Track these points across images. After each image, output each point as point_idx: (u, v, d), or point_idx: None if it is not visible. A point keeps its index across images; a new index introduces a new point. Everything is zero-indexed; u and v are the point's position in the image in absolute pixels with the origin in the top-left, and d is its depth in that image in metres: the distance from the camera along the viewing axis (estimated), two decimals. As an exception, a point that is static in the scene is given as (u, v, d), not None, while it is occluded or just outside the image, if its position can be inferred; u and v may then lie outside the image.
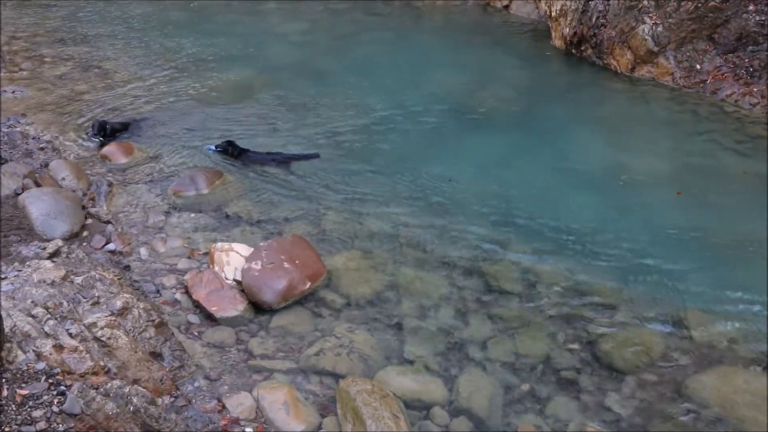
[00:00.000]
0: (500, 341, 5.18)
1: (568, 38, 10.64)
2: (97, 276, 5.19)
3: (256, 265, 5.58)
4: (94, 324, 4.58)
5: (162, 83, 9.94)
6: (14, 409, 3.51)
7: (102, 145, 7.99)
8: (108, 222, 6.50)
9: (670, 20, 9.42)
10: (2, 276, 4.90)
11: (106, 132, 8.16)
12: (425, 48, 11.43)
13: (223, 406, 4.49)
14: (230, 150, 7.79)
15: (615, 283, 5.73)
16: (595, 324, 5.32)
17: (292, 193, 7.10)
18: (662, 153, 7.86)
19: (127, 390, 3.94)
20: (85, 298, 4.84)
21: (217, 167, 7.55)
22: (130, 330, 4.74)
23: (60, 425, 3.46)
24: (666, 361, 4.97)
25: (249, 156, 7.76)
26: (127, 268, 5.85)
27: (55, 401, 3.61)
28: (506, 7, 12.96)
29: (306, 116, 8.85)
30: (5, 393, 3.59)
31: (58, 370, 3.93)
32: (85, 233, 6.26)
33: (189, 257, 6.08)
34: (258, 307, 5.44)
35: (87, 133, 8.29)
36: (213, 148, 7.88)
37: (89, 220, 6.46)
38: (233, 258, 5.73)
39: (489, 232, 6.43)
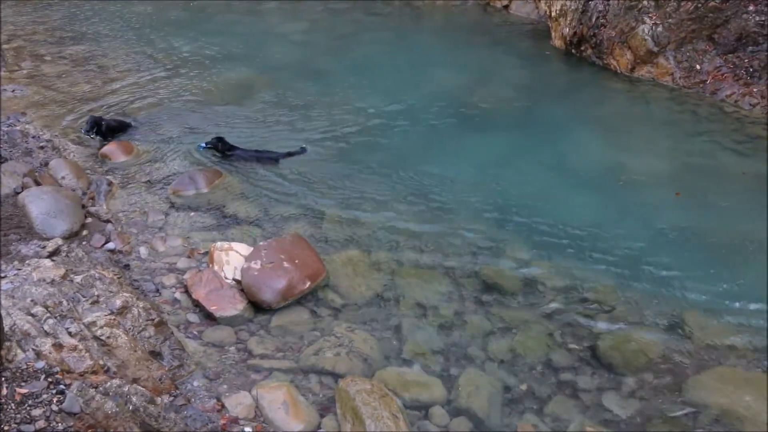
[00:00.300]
0: (500, 341, 5.18)
1: (567, 38, 10.65)
2: (96, 275, 5.19)
3: (256, 265, 5.58)
4: (94, 323, 4.58)
5: (162, 82, 9.93)
6: (13, 407, 3.51)
7: (102, 144, 7.98)
8: (108, 221, 6.50)
9: (670, 20, 9.42)
10: (2, 274, 4.90)
11: (101, 128, 8.11)
12: (425, 48, 11.43)
13: (223, 406, 4.48)
14: (219, 146, 7.82)
15: (614, 283, 5.73)
16: (595, 324, 5.32)
17: (292, 193, 7.10)
18: (662, 153, 7.86)
19: (127, 389, 3.94)
20: (84, 297, 4.84)
21: (214, 167, 7.56)
22: (129, 329, 4.74)
23: (59, 424, 3.46)
24: (666, 361, 4.97)
25: (237, 153, 7.80)
26: (127, 267, 5.85)
27: (55, 400, 3.61)
28: (506, 7, 12.96)
29: (306, 116, 8.85)
30: (5, 392, 3.59)
31: (58, 368, 3.93)
32: (84, 232, 6.26)
33: (189, 256, 6.08)
34: (257, 307, 5.44)
35: (81, 130, 8.26)
36: (203, 145, 7.90)
37: (89, 219, 6.46)
38: (233, 257, 5.73)
39: (488, 231, 6.43)
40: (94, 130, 8.08)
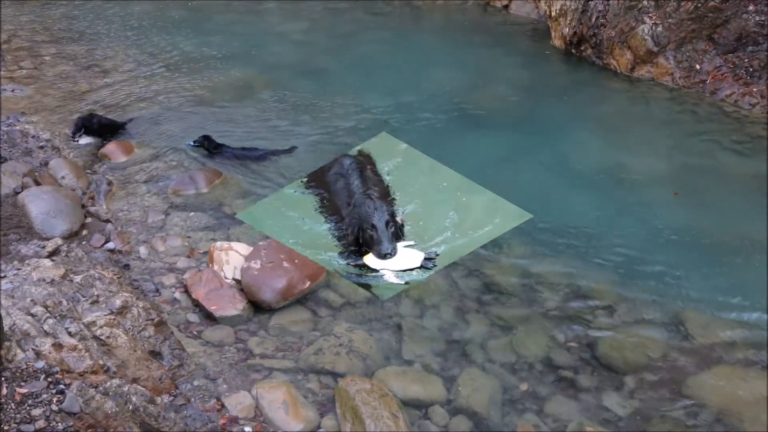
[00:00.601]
0: (500, 341, 5.17)
1: (567, 38, 10.64)
2: (96, 275, 5.19)
3: (256, 264, 5.58)
4: (94, 323, 4.58)
5: (161, 82, 9.93)
6: (13, 407, 3.51)
7: (99, 144, 7.97)
8: (107, 221, 6.50)
9: (669, 20, 9.42)
10: (2, 274, 4.90)
11: (93, 127, 8.04)
12: (425, 48, 11.42)
13: (222, 405, 4.49)
14: (206, 144, 7.81)
15: (614, 284, 5.72)
16: (595, 324, 5.32)
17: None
18: (661, 153, 7.85)
19: (127, 389, 3.94)
20: (84, 297, 4.84)
21: (215, 167, 7.56)
22: (129, 329, 4.74)
23: (59, 424, 3.46)
24: (666, 361, 4.97)
25: (224, 151, 7.79)
26: (127, 266, 5.85)
27: (55, 400, 3.62)
28: (506, 6, 12.94)
29: (305, 115, 8.85)
30: (4, 391, 3.59)
31: (58, 368, 3.93)
32: (84, 232, 6.26)
33: (188, 256, 6.08)
34: (257, 306, 5.44)
35: (69, 130, 8.15)
36: (191, 143, 7.90)
37: (89, 219, 6.46)
38: (233, 257, 5.73)
39: (488, 231, 6.42)
40: (81, 133, 7.97)
